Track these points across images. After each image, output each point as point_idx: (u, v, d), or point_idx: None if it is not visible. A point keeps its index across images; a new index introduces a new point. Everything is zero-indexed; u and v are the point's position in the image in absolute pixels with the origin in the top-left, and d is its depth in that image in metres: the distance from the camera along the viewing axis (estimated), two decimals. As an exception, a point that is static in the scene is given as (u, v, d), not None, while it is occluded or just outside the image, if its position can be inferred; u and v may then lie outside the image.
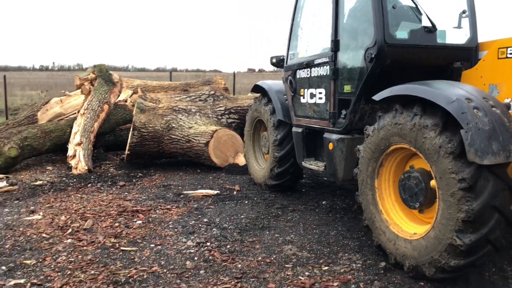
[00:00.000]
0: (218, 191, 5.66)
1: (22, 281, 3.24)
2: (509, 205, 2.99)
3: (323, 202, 5.23)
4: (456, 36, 4.31)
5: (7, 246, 3.88)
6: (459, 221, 2.90)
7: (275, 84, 5.84)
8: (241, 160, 6.89)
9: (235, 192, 5.66)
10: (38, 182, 6.08)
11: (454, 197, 2.92)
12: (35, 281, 3.23)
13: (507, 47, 3.63)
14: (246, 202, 5.25)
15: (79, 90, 8.20)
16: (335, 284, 3.18)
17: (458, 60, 4.17)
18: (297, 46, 5.28)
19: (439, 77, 3.91)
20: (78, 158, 6.64)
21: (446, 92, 3.15)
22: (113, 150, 8.24)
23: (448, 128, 3.03)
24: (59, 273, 3.35)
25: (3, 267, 3.46)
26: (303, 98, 4.96)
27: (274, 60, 5.68)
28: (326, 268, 3.47)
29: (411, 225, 3.51)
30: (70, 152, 6.79)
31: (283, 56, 5.50)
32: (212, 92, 8.31)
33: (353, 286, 3.16)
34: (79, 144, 6.77)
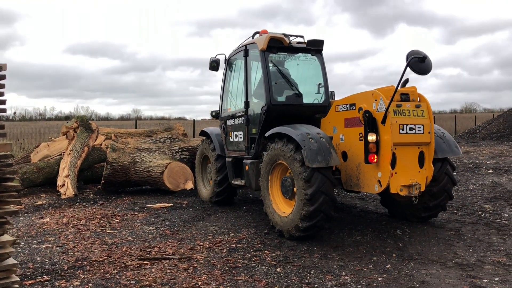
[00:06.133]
0: (172, 204, 8.00)
1: (49, 245, 5.48)
2: (331, 190, 5.48)
3: (244, 207, 7.67)
4: (316, 98, 7.04)
5: (33, 233, 6.09)
6: (304, 201, 5.34)
7: (215, 129, 8.29)
8: (189, 186, 9.23)
9: (184, 205, 8.01)
10: (39, 203, 8.25)
11: (301, 187, 5.32)
12: (58, 244, 5.49)
13: (339, 105, 6.24)
14: (191, 209, 7.61)
15: (63, 136, 10.47)
16: (234, 240, 5.60)
17: (318, 113, 6.75)
18: (226, 104, 7.86)
19: (307, 123, 6.30)
20: (67, 186, 8.85)
21: (297, 130, 5.70)
22: (91, 183, 10.42)
23: (297, 149, 5.52)
24: (70, 242, 5.61)
25: (35, 241, 5.69)
26: (231, 138, 7.46)
27: (213, 113, 8.28)
28: (232, 235, 5.89)
29: (284, 206, 5.92)
30: (59, 183, 8.99)
31: (218, 110, 8.07)
32: (170, 136, 10.73)
33: (244, 240, 5.59)
34: (67, 176, 8.99)
